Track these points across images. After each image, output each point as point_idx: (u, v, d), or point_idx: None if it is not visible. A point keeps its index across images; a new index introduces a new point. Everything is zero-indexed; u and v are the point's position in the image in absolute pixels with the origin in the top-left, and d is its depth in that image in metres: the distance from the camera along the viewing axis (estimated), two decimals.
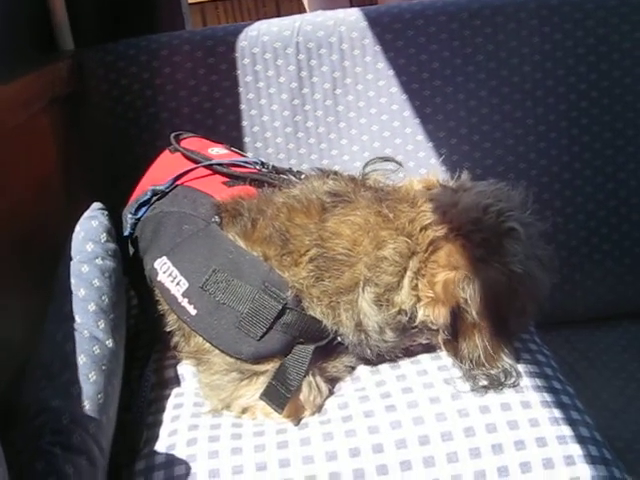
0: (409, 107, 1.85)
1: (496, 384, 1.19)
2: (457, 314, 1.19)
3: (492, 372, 1.20)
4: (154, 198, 1.42)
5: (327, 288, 1.22)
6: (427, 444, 1.13)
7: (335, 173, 1.37)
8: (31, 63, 1.62)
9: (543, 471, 1.10)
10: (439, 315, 1.20)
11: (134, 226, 1.42)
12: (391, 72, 1.84)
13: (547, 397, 1.20)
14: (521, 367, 1.25)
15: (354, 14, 1.85)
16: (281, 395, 1.18)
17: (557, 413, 1.17)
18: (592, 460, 1.12)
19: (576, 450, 1.12)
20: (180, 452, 1.15)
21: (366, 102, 1.86)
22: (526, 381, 1.22)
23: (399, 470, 1.11)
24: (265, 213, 1.27)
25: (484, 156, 1.87)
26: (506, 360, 1.21)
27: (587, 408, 1.23)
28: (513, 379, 1.20)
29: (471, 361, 1.20)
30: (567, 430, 1.15)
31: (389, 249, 1.21)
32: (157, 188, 1.41)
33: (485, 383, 1.19)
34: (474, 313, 1.18)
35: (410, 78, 1.84)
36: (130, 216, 1.43)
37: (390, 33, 1.83)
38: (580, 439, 1.14)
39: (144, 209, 1.42)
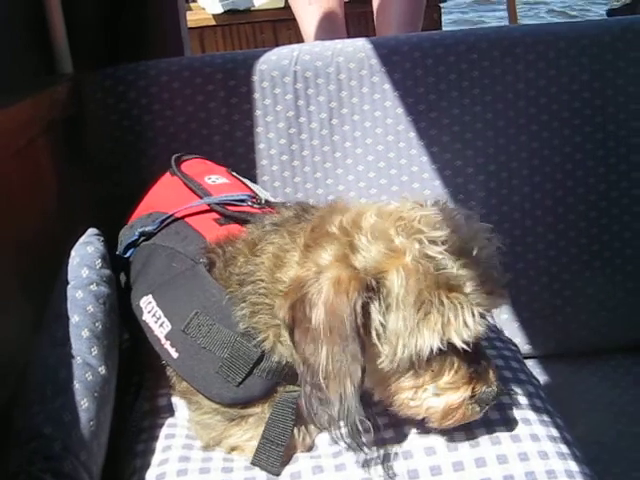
0: (405, 138, 1.86)
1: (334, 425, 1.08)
2: (301, 314, 1.08)
3: (334, 402, 1.06)
4: (141, 239, 1.42)
5: (268, 322, 1.18)
6: (416, 478, 1.13)
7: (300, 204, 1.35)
8: (30, 86, 1.62)
9: None
10: (280, 308, 1.12)
11: (125, 266, 1.43)
12: (388, 103, 1.85)
13: (536, 430, 1.20)
14: (510, 399, 1.24)
15: (352, 45, 1.87)
16: (273, 454, 1.17)
17: (546, 447, 1.17)
18: None
19: None
20: None
21: (362, 132, 1.87)
22: (515, 413, 1.22)
23: None
24: (235, 258, 1.26)
25: (477, 189, 1.88)
26: (350, 398, 1.06)
27: (576, 441, 1.23)
28: (352, 429, 1.07)
29: (318, 378, 1.06)
30: (556, 464, 1.15)
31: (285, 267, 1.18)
32: (145, 230, 1.41)
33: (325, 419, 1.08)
34: (318, 314, 1.06)
35: (407, 110, 1.85)
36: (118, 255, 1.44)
37: (387, 65, 1.84)
38: (569, 473, 1.14)
39: (132, 250, 1.43)
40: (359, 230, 1.12)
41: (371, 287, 1.06)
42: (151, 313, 1.28)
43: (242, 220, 1.37)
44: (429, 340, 1.06)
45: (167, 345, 1.24)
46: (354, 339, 1.05)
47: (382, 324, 1.08)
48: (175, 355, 1.24)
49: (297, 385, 1.17)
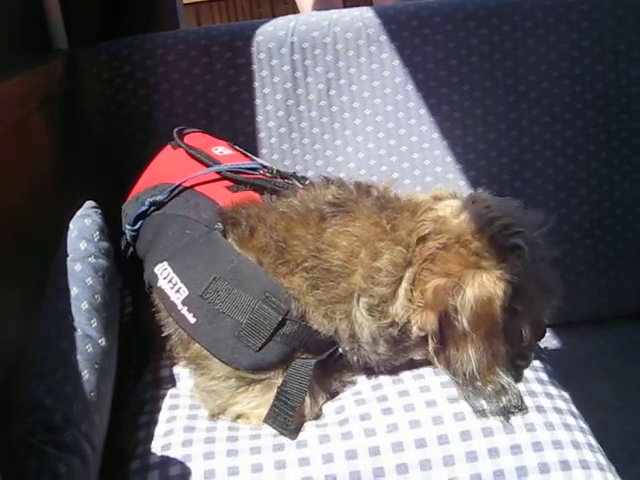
0: (404, 108, 1.85)
1: (494, 405, 1.15)
2: (446, 321, 1.16)
3: (488, 388, 1.16)
4: (152, 209, 1.40)
5: (322, 297, 1.20)
6: (424, 447, 1.12)
7: (340, 181, 1.35)
8: (25, 62, 1.61)
9: (539, 475, 1.10)
10: (427, 320, 1.17)
11: (134, 238, 1.41)
12: (386, 73, 1.84)
13: (543, 402, 1.20)
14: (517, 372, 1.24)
15: (348, 15, 1.85)
16: (285, 417, 1.17)
17: (552, 418, 1.17)
18: (587, 465, 1.11)
19: (571, 455, 1.12)
20: (175, 452, 1.14)
21: (361, 103, 1.85)
22: (521, 386, 1.22)
23: (395, 473, 1.10)
24: (265, 221, 1.25)
25: (477, 158, 1.88)
26: (502, 376, 1.17)
27: (581, 410, 1.23)
28: (511, 399, 1.16)
29: (464, 374, 1.16)
30: (563, 435, 1.14)
31: (384, 260, 1.18)
32: (156, 199, 1.38)
33: (484, 404, 1.16)
34: (465, 322, 1.14)
35: (405, 79, 1.84)
36: (128, 227, 1.42)
37: (385, 34, 1.82)
38: (575, 444, 1.14)
39: (141, 222, 1.41)
40: (469, 236, 1.19)
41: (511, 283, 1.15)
42: (167, 279, 1.27)
43: (257, 187, 1.36)
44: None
45: (184, 311, 1.23)
46: (501, 333, 1.17)
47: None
48: (192, 320, 1.22)
49: (313, 355, 1.21)
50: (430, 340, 1.19)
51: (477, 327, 1.14)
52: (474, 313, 1.14)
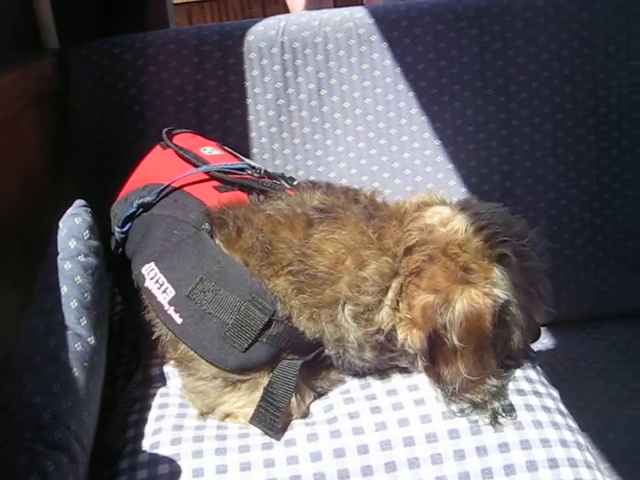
0: (394, 108, 1.85)
1: (484, 410, 1.16)
2: (436, 339, 1.15)
3: (477, 400, 1.16)
4: (140, 211, 1.40)
5: (307, 301, 1.20)
6: (412, 445, 1.13)
7: (328, 186, 1.35)
8: (16, 61, 1.60)
9: (527, 474, 1.10)
10: (416, 339, 1.17)
11: (123, 240, 1.41)
12: (376, 73, 1.84)
13: (531, 401, 1.20)
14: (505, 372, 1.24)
15: (339, 14, 1.85)
16: (271, 417, 1.17)
17: (541, 416, 1.17)
18: (575, 463, 1.12)
19: (559, 453, 1.12)
20: (164, 451, 1.14)
21: (351, 103, 1.86)
22: (509, 385, 1.22)
23: (384, 471, 1.10)
24: (251, 223, 1.25)
25: (468, 158, 1.88)
26: (493, 385, 1.18)
27: (571, 410, 1.23)
28: (501, 405, 1.16)
29: (454, 388, 1.16)
30: (551, 433, 1.15)
31: (370, 269, 1.18)
32: (144, 201, 1.38)
33: (472, 409, 1.17)
34: (454, 338, 1.13)
35: (395, 79, 1.84)
36: (117, 229, 1.42)
37: (375, 34, 1.83)
38: (563, 442, 1.14)
39: (130, 223, 1.41)
40: (456, 248, 1.18)
41: (499, 297, 1.16)
42: (154, 280, 1.27)
43: (245, 187, 1.36)
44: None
45: (171, 311, 1.23)
46: (490, 346, 1.17)
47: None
48: (179, 321, 1.22)
49: (300, 356, 1.21)
50: (419, 358, 1.20)
51: (467, 342, 1.14)
52: (464, 329, 1.13)
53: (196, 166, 1.43)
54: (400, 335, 1.19)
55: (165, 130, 1.56)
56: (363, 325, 1.19)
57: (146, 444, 1.17)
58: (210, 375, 1.22)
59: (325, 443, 1.14)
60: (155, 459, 1.13)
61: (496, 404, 1.16)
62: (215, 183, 1.39)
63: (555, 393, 1.26)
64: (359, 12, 1.85)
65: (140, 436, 1.18)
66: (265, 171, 1.45)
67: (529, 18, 1.84)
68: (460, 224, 1.21)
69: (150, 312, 1.30)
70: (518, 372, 1.26)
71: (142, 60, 1.80)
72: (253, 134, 1.85)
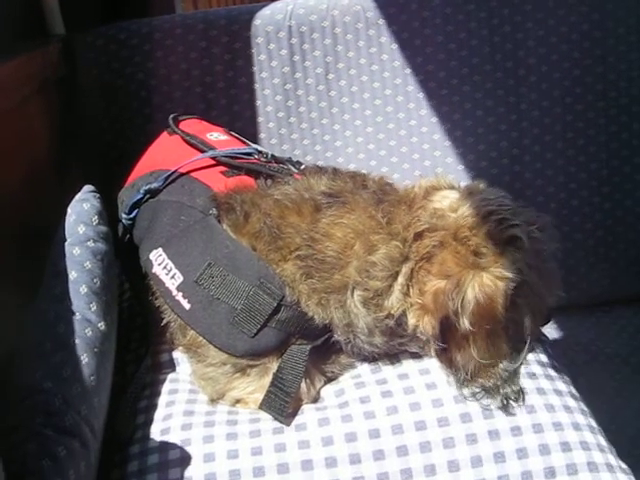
0: (402, 92, 1.84)
1: (495, 395, 1.16)
2: (448, 324, 1.15)
3: (489, 384, 1.16)
4: (147, 197, 1.40)
5: (316, 286, 1.19)
6: (424, 429, 1.12)
7: (334, 170, 1.34)
8: (22, 47, 1.60)
9: (539, 457, 1.10)
10: (428, 325, 1.17)
11: (130, 226, 1.41)
12: (384, 57, 1.83)
13: (543, 384, 1.20)
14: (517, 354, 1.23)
15: None
16: (281, 402, 1.17)
17: (553, 400, 1.17)
18: (588, 447, 1.12)
19: (572, 437, 1.12)
20: (175, 436, 1.14)
21: (359, 87, 1.84)
22: (521, 369, 1.21)
23: (395, 455, 1.10)
24: (259, 207, 1.25)
25: (476, 142, 1.87)
26: (505, 369, 1.17)
27: (581, 394, 1.23)
28: (512, 390, 1.16)
29: (466, 373, 1.16)
30: (563, 417, 1.14)
31: (380, 254, 1.17)
32: (151, 187, 1.38)
33: (483, 393, 1.16)
34: (466, 323, 1.13)
35: (403, 63, 1.83)
36: (124, 216, 1.41)
37: (383, 17, 1.81)
38: (576, 426, 1.14)
39: (137, 210, 1.40)
40: (467, 232, 1.18)
41: (511, 279, 1.15)
42: (161, 265, 1.26)
43: (252, 171, 1.36)
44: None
45: (179, 297, 1.23)
46: (502, 330, 1.16)
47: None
48: (187, 306, 1.22)
49: (309, 341, 1.21)
50: (431, 343, 1.19)
51: (479, 327, 1.14)
52: (475, 314, 1.13)
53: (203, 151, 1.42)
54: (411, 321, 1.19)
55: (172, 116, 1.56)
56: (373, 310, 1.19)
57: (156, 430, 1.16)
58: (219, 361, 1.22)
59: (336, 427, 1.13)
60: (166, 444, 1.13)
61: (508, 388, 1.16)
62: (222, 168, 1.38)
63: (567, 377, 1.26)
64: None
65: (150, 422, 1.18)
66: (272, 155, 1.44)
67: (538, 0, 1.82)
68: (470, 209, 1.20)
69: (158, 298, 1.30)
70: (530, 356, 1.25)
71: (149, 45, 1.79)
72: (261, 119, 1.84)
